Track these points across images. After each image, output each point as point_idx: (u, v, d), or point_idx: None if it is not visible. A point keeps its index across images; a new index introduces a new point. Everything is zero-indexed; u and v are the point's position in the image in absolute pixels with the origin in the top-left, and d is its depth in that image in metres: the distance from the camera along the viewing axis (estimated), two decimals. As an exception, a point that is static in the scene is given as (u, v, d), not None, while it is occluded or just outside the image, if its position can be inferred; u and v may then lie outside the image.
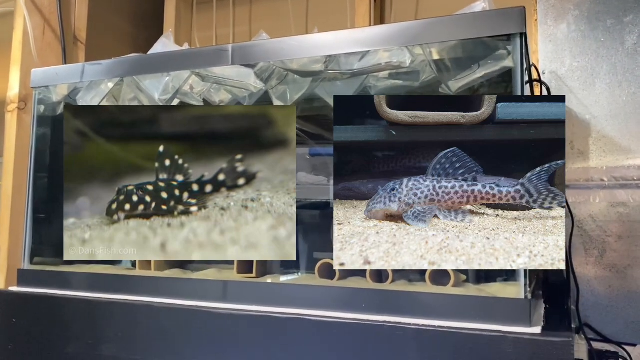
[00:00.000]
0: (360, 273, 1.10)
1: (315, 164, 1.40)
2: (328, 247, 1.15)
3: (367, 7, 1.57)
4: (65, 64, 1.52)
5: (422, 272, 1.04)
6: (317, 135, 1.49)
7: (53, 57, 1.49)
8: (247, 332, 0.96)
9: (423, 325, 0.87)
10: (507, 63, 0.99)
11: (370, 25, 1.57)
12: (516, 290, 0.86)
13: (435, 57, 0.97)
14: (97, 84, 1.22)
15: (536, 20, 1.40)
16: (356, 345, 0.89)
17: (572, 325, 1.26)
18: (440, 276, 1.02)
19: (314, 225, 1.24)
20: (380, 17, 1.67)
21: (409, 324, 0.87)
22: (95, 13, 1.65)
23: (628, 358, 1.21)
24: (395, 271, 1.05)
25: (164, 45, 1.18)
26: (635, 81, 1.30)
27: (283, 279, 1.09)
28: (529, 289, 0.85)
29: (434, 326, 0.86)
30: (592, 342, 1.24)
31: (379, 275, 1.06)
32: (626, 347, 1.24)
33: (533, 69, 1.32)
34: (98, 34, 1.67)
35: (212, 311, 1.00)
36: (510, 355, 0.80)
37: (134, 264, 1.34)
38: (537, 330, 0.81)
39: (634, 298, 1.25)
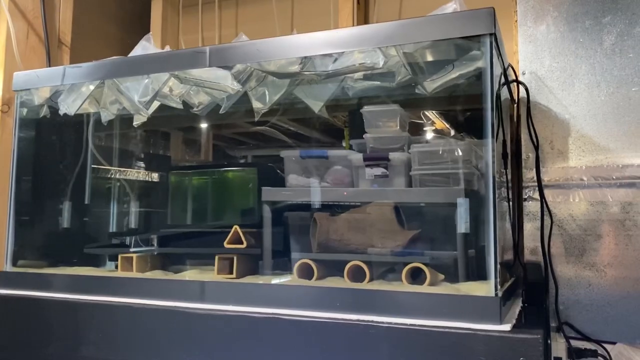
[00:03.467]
0: (339, 273, 1.11)
1: (305, 166, 1.40)
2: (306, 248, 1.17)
3: (350, 9, 1.58)
4: (50, 67, 1.52)
5: (399, 271, 1.05)
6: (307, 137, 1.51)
7: (37, 60, 1.49)
8: (228, 332, 0.97)
9: (396, 324, 0.87)
10: (481, 64, 1.00)
11: (353, 24, 1.58)
12: (487, 288, 0.87)
13: (409, 58, 0.98)
14: (78, 87, 1.23)
15: (516, 21, 1.41)
16: (331, 343, 0.90)
17: (553, 324, 1.28)
18: (418, 275, 1.03)
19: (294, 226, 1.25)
20: (364, 20, 1.68)
21: (382, 323, 0.88)
22: (81, 16, 1.65)
23: (607, 356, 1.22)
24: (373, 270, 1.06)
25: (144, 47, 1.19)
26: (614, 81, 1.31)
27: (265, 279, 1.09)
28: (499, 287, 0.86)
29: (407, 324, 0.87)
30: (571, 341, 1.24)
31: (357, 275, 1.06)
32: (605, 345, 1.25)
33: (512, 69, 1.33)
34: (84, 37, 1.68)
35: (193, 311, 1.01)
36: (481, 353, 0.81)
37: (117, 265, 1.35)
38: (507, 327, 0.82)
39: (614, 296, 1.26)
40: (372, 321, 0.89)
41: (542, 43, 1.38)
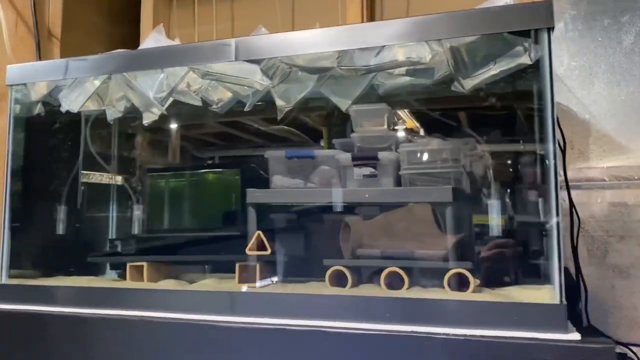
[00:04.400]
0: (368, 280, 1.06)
1: (291, 167, 1.35)
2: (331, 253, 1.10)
3: (359, 6, 1.53)
4: (40, 60, 1.40)
5: (436, 277, 1.00)
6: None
7: (27, 52, 1.37)
8: (266, 347, 0.89)
9: (454, 335, 0.82)
10: (524, 60, 0.96)
11: (362, 21, 1.53)
12: (550, 295, 0.83)
13: (455, 52, 0.93)
14: (83, 82, 1.13)
15: (533, 19, 1.39)
16: (384, 358, 0.84)
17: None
18: (456, 282, 0.98)
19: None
20: (370, 14, 1.62)
21: (438, 334, 0.83)
22: (69, 8, 1.54)
23: (636, 358, 1.20)
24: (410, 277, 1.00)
25: (157, 40, 1.10)
26: (633, 80, 1.30)
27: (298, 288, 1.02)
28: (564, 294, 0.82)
29: (466, 335, 0.82)
30: (598, 344, 1.22)
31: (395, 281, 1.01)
32: (633, 348, 1.23)
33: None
34: (72, 29, 1.56)
35: (223, 325, 0.93)
36: (550, 364, 0.77)
37: (119, 274, 1.25)
38: (577, 336, 0.78)
39: (638, 298, 1.25)
40: (428, 332, 0.83)
41: (560, 42, 1.36)
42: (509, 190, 1.19)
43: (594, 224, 1.30)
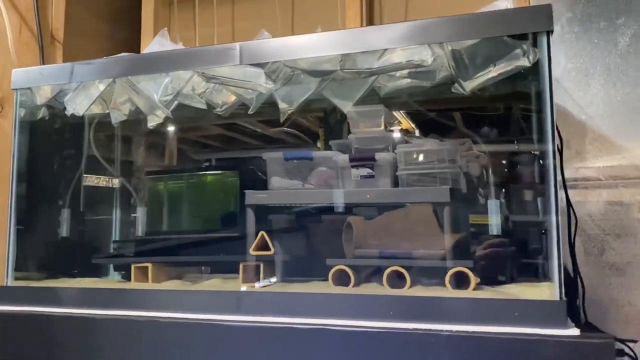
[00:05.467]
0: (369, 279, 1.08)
1: (289, 169, 1.36)
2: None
3: (358, 6, 1.55)
4: (43, 63, 1.42)
5: (437, 276, 1.02)
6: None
7: (30, 56, 1.38)
8: (271, 345, 0.91)
9: (457, 332, 0.84)
10: (522, 62, 0.99)
11: (361, 24, 1.55)
12: (550, 292, 0.85)
13: (456, 56, 0.95)
14: (88, 86, 1.14)
15: (530, 21, 1.41)
16: (388, 355, 0.86)
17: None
18: (457, 280, 1.00)
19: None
20: (369, 17, 1.65)
21: (442, 331, 0.84)
22: (72, 12, 1.55)
23: (633, 354, 1.22)
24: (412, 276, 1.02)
25: (161, 44, 1.12)
26: (629, 81, 1.32)
27: (301, 287, 1.04)
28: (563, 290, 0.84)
29: (469, 332, 0.83)
30: (596, 340, 1.25)
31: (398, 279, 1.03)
32: (629, 344, 1.25)
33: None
34: (74, 33, 1.57)
35: (226, 324, 0.95)
36: (550, 359, 0.79)
37: (123, 276, 1.26)
38: (576, 332, 0.80)
39: (634, 295, 1.27)
40: (431, 330, 0.85)
41: (557, 44, 1.38)
42: (504, 190, 1.21)
43: (590, 222, 1.32)
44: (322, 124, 1.44)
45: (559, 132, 1.32)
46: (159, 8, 1.83)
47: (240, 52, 1.01)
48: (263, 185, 1.21)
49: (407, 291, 0.99)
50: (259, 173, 1.31)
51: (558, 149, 1.29)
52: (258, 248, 1.12)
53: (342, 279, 1.06)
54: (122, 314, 1.03)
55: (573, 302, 1.19)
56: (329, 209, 1.18)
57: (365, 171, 1.18)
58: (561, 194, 1.32)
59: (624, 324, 1.28)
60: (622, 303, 1.29)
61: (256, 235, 1.12)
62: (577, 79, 1.36)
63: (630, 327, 1.27)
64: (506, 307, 0.85)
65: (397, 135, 1.23)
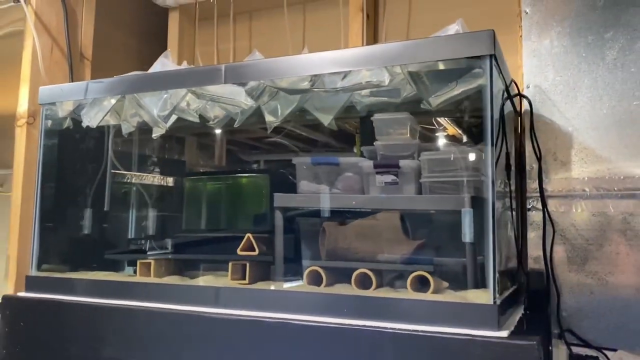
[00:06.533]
0: (347, 280, 1.16)
1: (317, 173, 1.44)
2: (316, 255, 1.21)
3: (360, 23, 1.64)
4: (72, 81, 1.59)
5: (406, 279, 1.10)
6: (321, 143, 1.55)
7: (61, 74, 1.56)
8: (240, 336, 1.02)
9: (400, 330, 0.92)
10: (483, 81, 1.05)
11: (362, 40, 1.64)
12: (487, 296, 0.91)
13: (414, 76, 1.03)
14: (100, 101, 1.29)
15: (521, 36, 1.45)
16: (339, 348, 0.95)
17: (555, 331, 1.31)
18: (423, 283, 1.08)
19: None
20: (373, 33, 1.73)
21: (388, 328, 0.93)
22: (101, 30, 1.73)
23: (609, 362, 1.25)
24: (380, 278, 1.10)
25: (163, 64, 1.25)
26: (615, 95, 1.35)
27: (277, 285, 1.15)
28: (497, 295, 0.90)
29: (410, 330, 0.92)
30: (573, 347, 1.28)
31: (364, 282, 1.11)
32: (607, 352, 1.28)
33: (515, 83, 1.37)
34: (103, 50, 1.75)
35: (207, 316, 1.07)
36: (480, 358, 0.86)
37: (135, 271, 1.41)
38: (504, 334, 0.86)
39: (615, 304, 1.29)
40: (378, 327, 0.94)
41: (546, 57, 1.42)
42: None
43: (574, 232, 1.35)
44: (357, 130, 1.50)
45: (537, 143, 1.37)
46: (184, 25, 1.98)
47: (225, 72, 1.13)
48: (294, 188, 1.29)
49: (371, 292, 1.07)
50: (290, 177, 1.40)
51: (536, 157, 1.35)
52: (245, 249, 1.23)
53: (316, 279, 1.15)
54: (122, 303, 1.17)
55: (545, 309, 1.25)
56: (353, 213, 1.24)
57: (390, 178, 1.24)
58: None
59: (604, 332, 1.31)
60: (603, 312, 1.31)
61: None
62: (564, 92, 1.40)
63: (610, 335, 1.30)
64: (446, 309, 0.93)
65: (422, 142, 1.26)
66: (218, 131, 1.68)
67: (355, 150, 1.50)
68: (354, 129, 1.50)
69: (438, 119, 1.31)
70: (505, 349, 0.84)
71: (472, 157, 1.18)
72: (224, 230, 1.53)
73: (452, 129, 1.38)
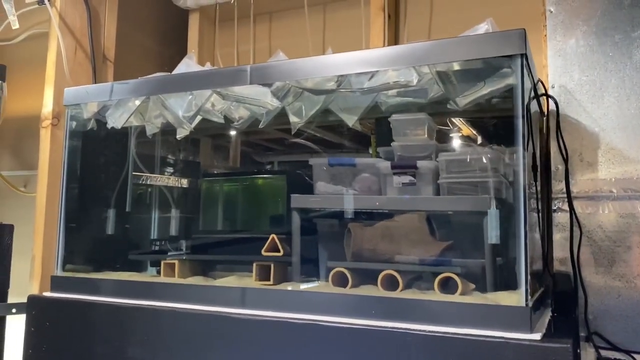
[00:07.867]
0: (371, 281, 1.15)
1: (334, 174, 1.43)
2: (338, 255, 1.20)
3: (381, 23, 1.63)
4: (95, 82, 1.61)
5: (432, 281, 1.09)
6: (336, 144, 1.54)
7: (84, 75, 1.58)
8: (267, 337, 1.02)
9: (430, 332, 0.91)
10: (512, 80, 1.04)
11: (384, 40, 1.63)
12: (518, 298, 0.90)
13: (442, 75, 1.02)
14: (125, 102, 1.30)
15: (545, 35, 1.44)
16: (367, 350, 0.94)
17: (582, 334, 1.30)
18: (449, 285, 1.07)
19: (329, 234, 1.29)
20: (394, 34, 1.72)
21: (417, 330, 0.92)
22: (123, 32, 1.74)
23: (638, 366, 1.23)
24: (405, 280, 1.10)
25: (187, 65, 1.25)
26: (643, 94, 1.33)
27: (304, 286, 1.14)
28: (529, 297, 0.89)
29: (441, 332, 0.91)
30: (601, 350, 1.26)
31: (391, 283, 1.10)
32: (635, 356, 1.26)
33: (542, 83, 1.36)
34: (125, 51, 1.76)
35: (233, 317, 1.07)
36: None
37: (158, 271, 1.41)
38: (537, 336, 0.85)
39: (643, 307, 1.28)
40: (407, 329, 0.93)
41: (571, 57, 1.41)
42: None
43: (601, 234, 1.34)
44: (373, 130, 1.50)
45: (564, 143, 1.35)
46: (204, 27, 1.99)
47: (250, 73, 1.13)
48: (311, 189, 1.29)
49: (399, 294, 1.06)
50: (306, 177, 1.40)
51: (563, 158, 1.33)
52: (269, 249, 1.23)
53: (342, 281, 1.14)
54: (148, 303, 1.17)
55: (572, 312, 1.23)
56: (371, 214, 1.23)
57: (407, 178, 1.23)
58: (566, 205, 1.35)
59: (632, 335, 1.29)
60: (631, 314, 1.29)
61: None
62: (590, 92, 1.38)
63: (638, 339, 1.28)
64: (477, 311, 0.92)
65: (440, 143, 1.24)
66: (234, 133, 1.68)
67: (370, 151, 1.49)
68: (369, 130, 1.50)
69: (460, 119, 1.30)
70: (539, 352, 0.83)
71: (492, 157, 1.17)
72: (243, 232, 1.53)
73: (468, 130, 1.36)
